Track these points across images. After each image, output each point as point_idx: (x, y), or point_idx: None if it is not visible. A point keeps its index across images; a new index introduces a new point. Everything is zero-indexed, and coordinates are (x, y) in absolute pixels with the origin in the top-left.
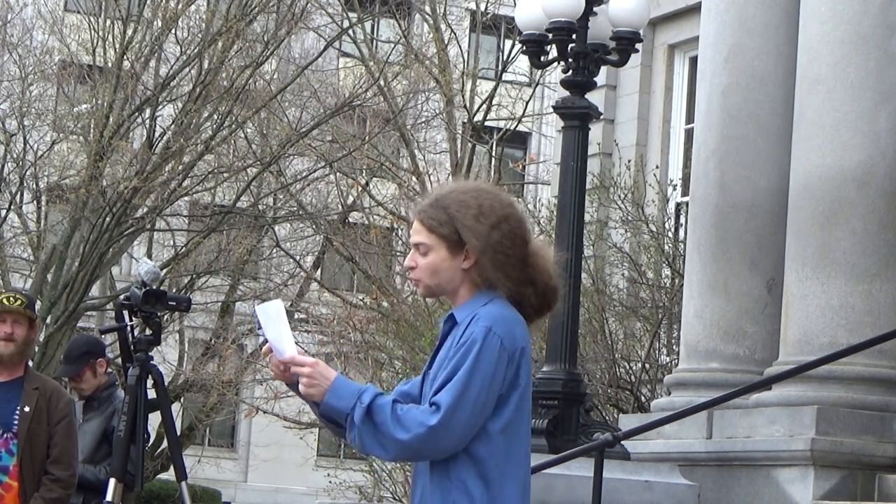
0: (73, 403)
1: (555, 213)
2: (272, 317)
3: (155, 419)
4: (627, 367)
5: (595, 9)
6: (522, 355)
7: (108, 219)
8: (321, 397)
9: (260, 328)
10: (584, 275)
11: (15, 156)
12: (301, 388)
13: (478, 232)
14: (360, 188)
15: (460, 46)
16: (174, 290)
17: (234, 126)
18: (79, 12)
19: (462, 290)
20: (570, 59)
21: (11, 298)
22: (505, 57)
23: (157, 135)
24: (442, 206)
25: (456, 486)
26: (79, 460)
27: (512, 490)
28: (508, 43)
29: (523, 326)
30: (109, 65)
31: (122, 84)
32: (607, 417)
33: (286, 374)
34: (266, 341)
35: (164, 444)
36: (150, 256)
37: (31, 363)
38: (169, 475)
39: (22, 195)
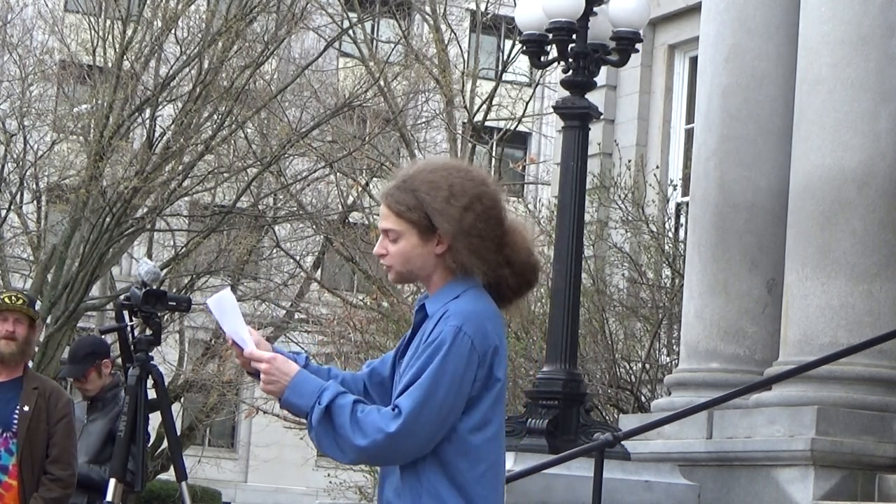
0: (72, 403)
1: (555, 213)
2: (226, 309)
3: (155, 419)
4: (627, 367)
5: (595, 9)
6: (496, 354)
7: (108, 219)
8: (280, 394)
9: (217, 320)
10: (584, 275)
11: (15, 156)
12: (261, 383)
13: (449, 216)
14: (360, 188)
15: (460, 46)
16: (174, 290)
17: (234, 126)
18: (79, 12)
19: (436, 276)
20: (570, 59)
21: (13, 297)
22: (505, 57)
23: (157, 135)
24: (410, 189)
25: (426, 489)
26: (79, 460)
27: (485, 491)
28: (508, 43)
29: (496, 321)
30: (109, 65)
31: (122, 84)
32: (607, 417)
33: (246, 361)
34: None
35: (165, 444)
36: (150, 256)
37: (30, 363)
38: (169, 475)
39: (22, 195)
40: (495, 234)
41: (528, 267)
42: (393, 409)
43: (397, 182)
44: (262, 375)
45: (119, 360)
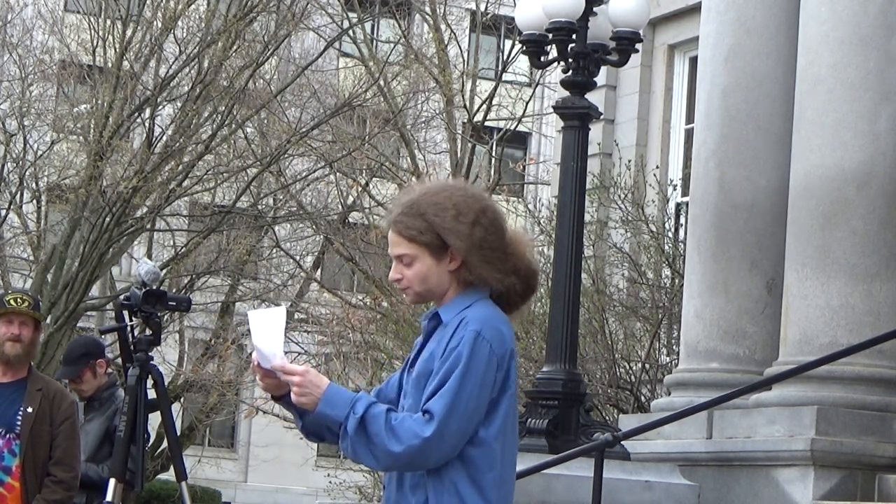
0: (76, 405)
1: (555, 213)
2: (269, 323)
3: (155, 419)
4: (627, 367)
5: (595, 9)
6: (512, 357)
7: (108, 219)
8: (314, 406)
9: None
10: (584, 275)
11: (15, 156)
12: (293, 396)
13: (460, 232)
14: (360, 188)
15: (460, 46)
16: (174, 290)
17: (234, 126)
18: (79, 12)
19: (450, 291)
20: (570, 59)
21: (19, 300)
22: (505, 57)
23: (156, 135)
24: (418, 213)
25: (448, 490)
26: (81, 461)
27: (501, 494)
28: (508, 43)
29: (509, 326)
30: (109, 65)
31: (122, 84)
32: (607, 417)
33: (272, 383)
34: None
35: (165, 444)
36: (150, 256)
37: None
38: (169, 475)
39: (22, 195)
40: (501, 244)
41: (531, 273)
42: (424, 414)
43: (403, 209)
44: (294, 388)
45: (118, 360)
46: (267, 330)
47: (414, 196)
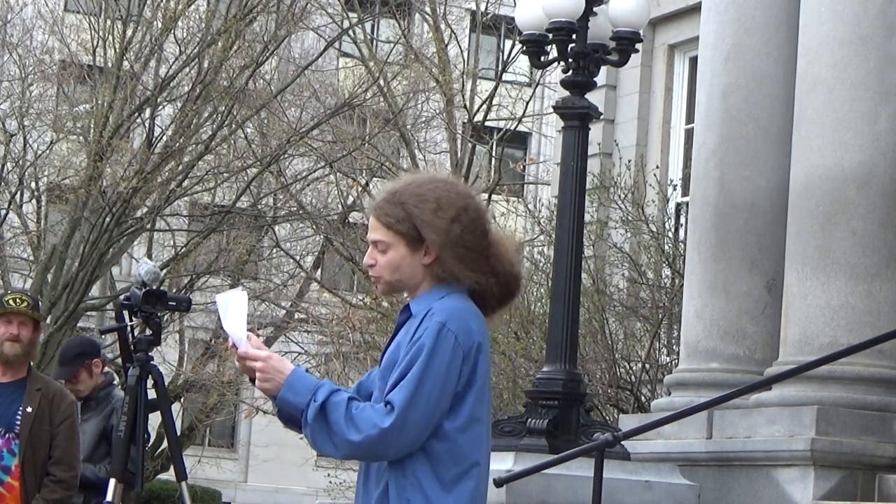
0: (76, 405)
1: (555, 213)
2: (233, 308)
3: (155, 419)
4: (627, 367)
5: (595, 9)
6: (479, 351)
7: (107, 219)
8: (276, 392)
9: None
10: (584, 275)
11: (15, 156)
12: (257, 382)
13: (437, 227)
14: (360, 188)
15: (460, 46)
16: (174, 290)
17: (234, 126)
18: (79, 12)
19: (423, 285)
20: (570, 59)
21: (18, 300)
22: (505, 57)
23: (156, 135)
24: (399, 202)
25: (411, 483)
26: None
27: (468, 489)
28: (508, 43)
29: (480, 321)
30: (109, 65)
31: (122, 84)
32: (607, 417)
33: (246, 367)
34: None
35: (165, 444)
36: (150, 256)
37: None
38: (169, 475)
39: (22, 195)
40: (481, 245)
41: (512, 277)
42: (386, 405)
43: (386, 195)
44: (257, 374)
45: (118, 360)
46: (233, 314)
47: (399, 185)
